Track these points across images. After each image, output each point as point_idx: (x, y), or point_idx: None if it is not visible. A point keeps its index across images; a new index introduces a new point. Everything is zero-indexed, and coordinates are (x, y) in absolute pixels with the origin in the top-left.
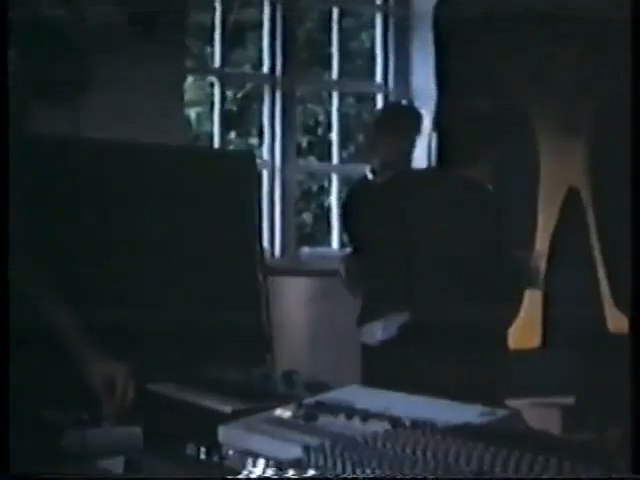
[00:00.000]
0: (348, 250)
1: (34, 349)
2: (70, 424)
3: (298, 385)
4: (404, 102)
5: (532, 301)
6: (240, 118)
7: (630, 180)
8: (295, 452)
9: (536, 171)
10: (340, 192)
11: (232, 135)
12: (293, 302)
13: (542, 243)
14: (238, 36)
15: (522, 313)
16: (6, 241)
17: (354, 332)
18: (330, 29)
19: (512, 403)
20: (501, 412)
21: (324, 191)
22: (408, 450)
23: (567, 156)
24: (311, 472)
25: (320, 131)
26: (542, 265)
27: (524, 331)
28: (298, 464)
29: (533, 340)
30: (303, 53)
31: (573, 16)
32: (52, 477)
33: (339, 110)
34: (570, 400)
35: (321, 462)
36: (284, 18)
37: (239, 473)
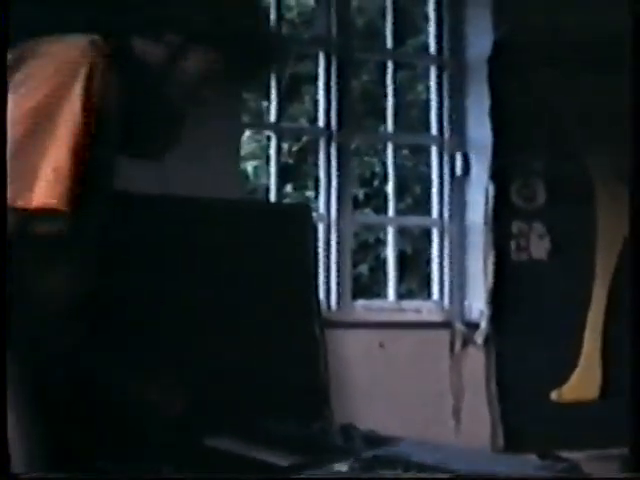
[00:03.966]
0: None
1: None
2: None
3: (356, 439)
4: None
5: (591, 351)
6: (296, 171)
7: None
8: None
9: (594, 222)
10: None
11: (289, 188)
12: (350, 355)
13: (600, 287)
14: (294, 89)
15: (581, 364)
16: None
17: (411, 385)
18: (385, 81)
19: (570, 455)
20: (560, 464)
21: (380, 243)
22: None
23: (622, 204)
24: None
25: (376, 183)
26: (600, 317)
27: (582, 382)
28: None
29: (591, 392)
30: (358, 105)
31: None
32: (52, 477)
33: (394, 162)
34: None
35: None
36: (339, 71)
37: None
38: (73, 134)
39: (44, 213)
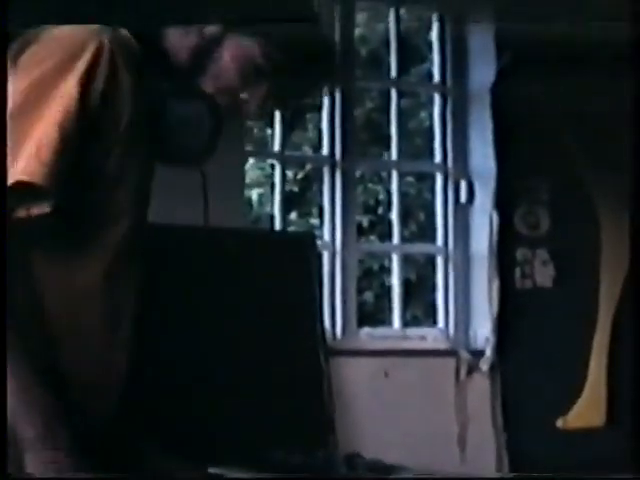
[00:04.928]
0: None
1: None
2: None
3: (360, 467)
4: None
5: (596, 378)
6: (301, 199)
7: None
8: None
9: (598, 248)
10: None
11: (293, 216)
12: (355, 382)
13: (605, 314)
14: (298, 117)
15: (586, 391)
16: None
17: (416, 413)
18: (389, 109)
19: None
20: None
21: (385, 270)
22: None
23: (626, 231)
24: None
25: (380, 210)
26: (605, 343)
27: (588, 409)
28: None
29: (597, 419)
30: (362, 133)
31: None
32: (51, 477)
33: (399, 189)
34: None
35: None
36: (343, 99)
37: None
38: (63, 111)
39: (26, 192)
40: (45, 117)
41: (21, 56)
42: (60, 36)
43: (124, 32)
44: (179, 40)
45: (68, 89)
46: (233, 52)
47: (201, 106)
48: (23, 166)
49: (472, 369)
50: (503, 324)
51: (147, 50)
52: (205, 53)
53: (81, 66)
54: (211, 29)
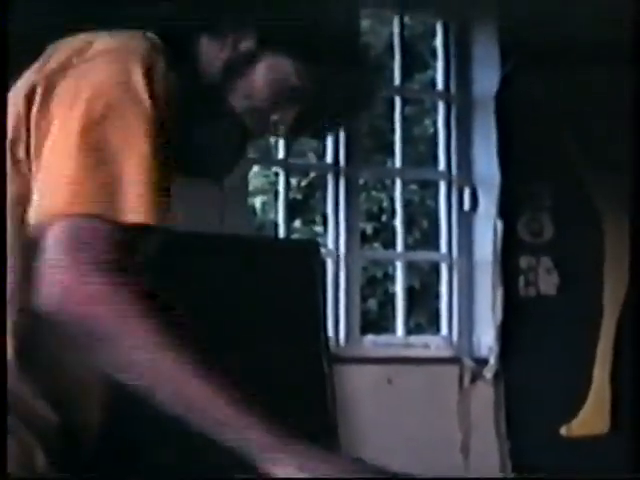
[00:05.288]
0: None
1: None
2: None
3: None
4: None
5: (600, 386)
6: (305, 206)
7: None
8: None
9: (601, 255)
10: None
11: (297, 223)
12: (358, 390)
13: (609, 322)
14: None
15: (590, 399)
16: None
17: (419, 420)
18: (393, 117)
19: None
20: None
21: (389, 278)
22: None
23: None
24: None
25: (384, 218)
26: (609, 351)
27: (591, 417)
28: None
29: (601, 426)
30: (366, 141)
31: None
32: (51, 478)
33: (402, 197)
34: None
35: None
36: None
37: None
38: (150, 138)
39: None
40: (132, 148)
41: (53, 96)
42: (107, 43)
43: (158, 40)
44: (212, 51)
45: (143, 110)
46: (267, 72)
47: (229, 125)
48: (134, 206)
49: (476, 377)
50: (507, 332)
51: (178, 59)
52: (238, 69)
53: (140, 81)
54: (247, 44)
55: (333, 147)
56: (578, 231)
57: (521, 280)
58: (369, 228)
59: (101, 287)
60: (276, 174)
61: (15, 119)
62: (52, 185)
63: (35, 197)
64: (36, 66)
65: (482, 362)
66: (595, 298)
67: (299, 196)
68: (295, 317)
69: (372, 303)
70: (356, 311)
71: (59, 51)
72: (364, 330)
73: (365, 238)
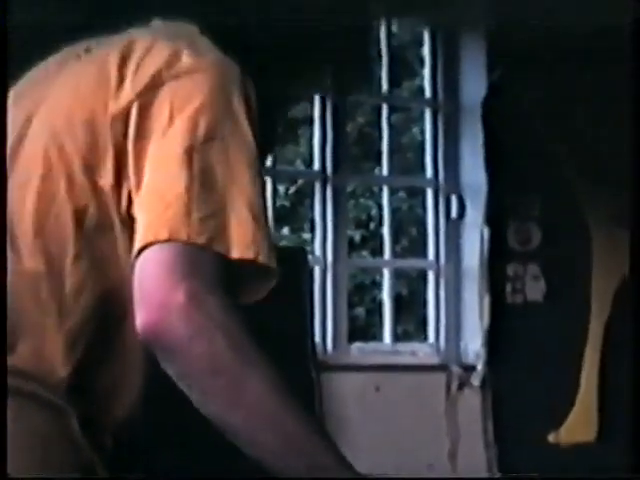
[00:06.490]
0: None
1: None
2: None
3: None
4: None
5: (587, 393)
6: (292, 213)
7: None
8: None
9: (589, 263)
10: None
11: (285, 230)
12: (345, 397)
13: (596, 329)
14: (290, 132)
15: (578, 405)
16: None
17: (407, 427)
18: (380, 124)
19: None
20: None
21: (376, 285)
22: None
23: (619, 245)
24: None
25: (372, 225)
26: (596, 358)
27: (578, 424)
28: None
29: (589, 433)
30: (354, 148)
31: (619, 101)
32: (51, 478)
33: (390, 204)
34: None
35: None
36: (334, 114)
37: None
38: (254, 172)
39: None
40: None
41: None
42: (196, 68)
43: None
44: None
45: (244, 138)
46: None
47: None
48: (247, 242)
49: (463, 384)
50: (494, 339)
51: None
52: None
53: (241, 106)
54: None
55: (320, 154)
56: (565, 239)
57: (508, 287)
58: (357, 235)
59: (217, 309)
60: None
61: (96, 144)
62: (159, 208)
63: (141, 217)
64: (113, 77)
65: (469, 369)
66: (582, 305)
67: (287, 203)
68: (282, 324)
69: (359, 310)
70: (343, 318)
71: (144, 63)
72: (351, 337)
73: (353, 245)
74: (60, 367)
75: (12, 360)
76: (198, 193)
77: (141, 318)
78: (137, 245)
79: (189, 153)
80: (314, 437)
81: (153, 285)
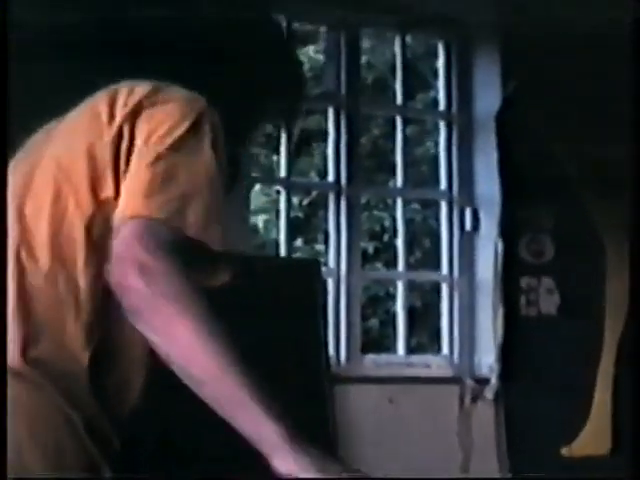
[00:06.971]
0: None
1: None
2: None
3: None
4: None
5: (601, 406)
6: (306, 225)
7: None
8: None
9: (603, 276)
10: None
11: (299, 242)
12: (359, 409)
13: (610, 342)
14: (304, 144)
15: (591, 419)
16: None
17: (420, 440)
18: (394, 136)
19: None
20: None
21: (390, 297)
22: None
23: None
24: None
25: (386, 237)
26: (610, 371)
27: (592, 437)
28: None
29: (602, 447)
30: (368, 160)
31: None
32: (50, 478)
33: (404, 216)
34: None
35: None
36: (349, 126)
37: None
38: (209, 180)
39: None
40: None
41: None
42: (173, 99)
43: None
44: None
45: (207, 160)
46: None
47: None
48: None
49: (476, 397)
50: (508, 352)
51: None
52: None
53: (208, 131)
54: None
55: (335, 166)
56: (579, 252)
57: (522, 300)
58: (370, 247)
59: (164, 263)
60: (278, 193)
61: (98, 166)
62: (130, 195)
63: (119, 206)
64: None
65: (483, 382)
66: (596, 318)
67: (301, 215)
68: (296, 336)
69: (373, 322)
70: (357, 330)
71: (130, 99)
72: (365, 349)
73: (366, 257)
74: (81, 354)
75: (36, 352)
76: (160, 186)
77: (112, 271)
78: (115, 223)
79: (157, 158)
80: (231, 369)
81: (121, 247)
